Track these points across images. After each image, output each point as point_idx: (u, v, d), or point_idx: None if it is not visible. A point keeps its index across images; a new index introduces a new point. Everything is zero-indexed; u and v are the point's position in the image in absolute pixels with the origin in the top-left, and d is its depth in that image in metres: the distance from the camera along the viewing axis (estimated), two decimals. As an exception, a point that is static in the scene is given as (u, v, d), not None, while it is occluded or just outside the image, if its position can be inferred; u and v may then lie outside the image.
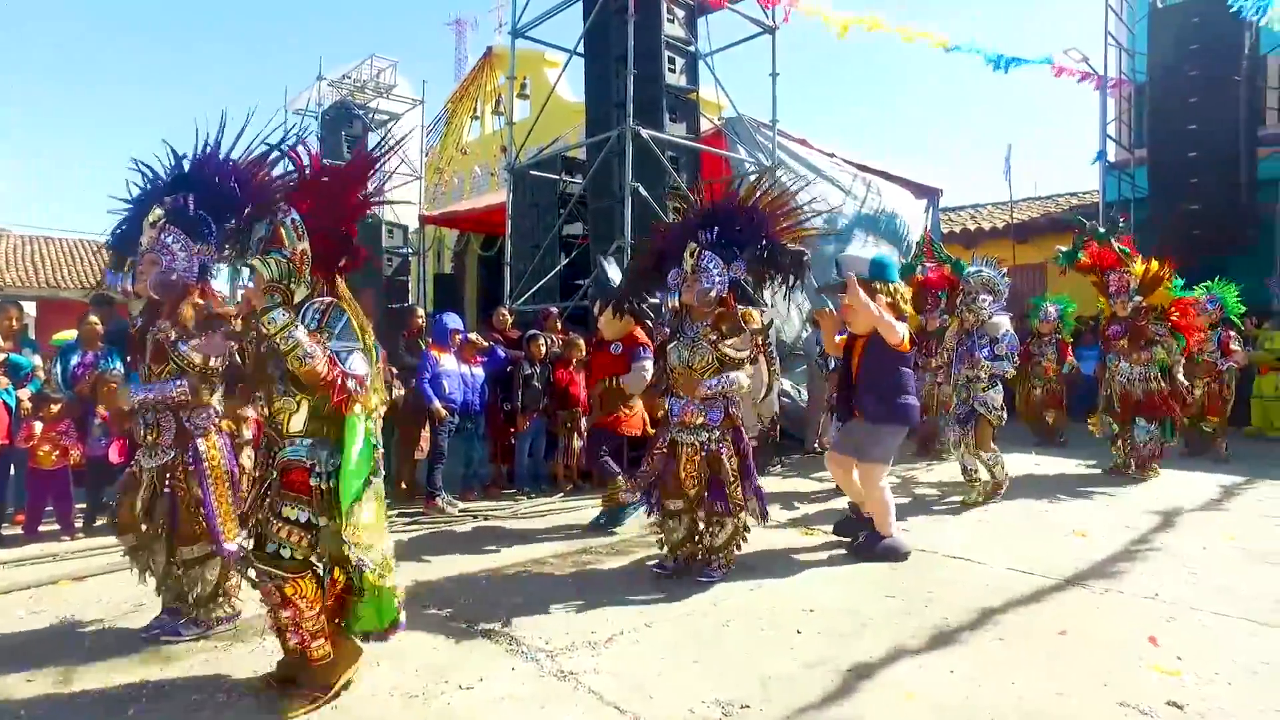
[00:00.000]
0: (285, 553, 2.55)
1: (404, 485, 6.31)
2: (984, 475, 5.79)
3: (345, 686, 2.70)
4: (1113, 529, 4.95)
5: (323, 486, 2.58)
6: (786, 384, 8.09)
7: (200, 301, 3.25)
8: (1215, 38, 10.68)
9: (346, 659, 2.74)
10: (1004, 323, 5.84)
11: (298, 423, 2.61)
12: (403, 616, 2.80)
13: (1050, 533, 4.90)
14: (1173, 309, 6.71)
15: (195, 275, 3.17)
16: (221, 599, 3.35)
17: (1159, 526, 5.05)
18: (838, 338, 4.82)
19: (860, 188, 9.76)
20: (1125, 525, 5.05)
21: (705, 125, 8.71)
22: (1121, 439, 6.77)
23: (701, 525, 4.10)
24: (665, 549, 4.19)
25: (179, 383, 3.20)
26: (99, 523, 5.24)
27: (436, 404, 5.81)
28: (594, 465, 5.51)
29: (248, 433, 3.59)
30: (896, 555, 4.38)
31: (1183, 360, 6.89)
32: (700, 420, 3.98)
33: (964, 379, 5.84)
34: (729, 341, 3.96)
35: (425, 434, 6.09)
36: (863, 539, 4.51)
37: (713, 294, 3.95)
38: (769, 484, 6.62)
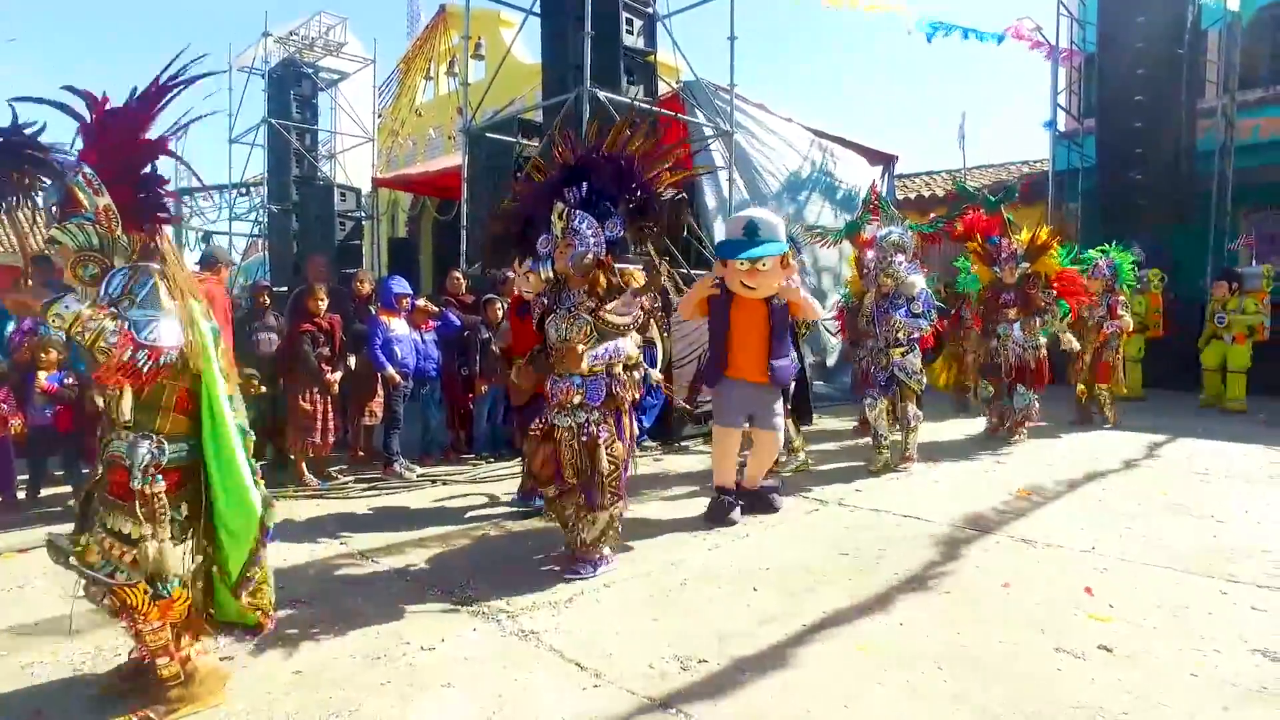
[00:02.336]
0: (111, 572, 2.25)
1: (360, 452, 6.27)
2: (895, 437, 5.66)
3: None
4: (1056, 487, 5.16)
5: (146, 490, 2.25)
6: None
7: None
8: (1160, 11, 10.92)
9: (206, 688, 2.40)
10: (919, 281, 5.72)
11: (125, 410, 2.28)
12: (270, 624, 2.58)
13: (997, 491, 5.08)
14: (1055, 279, 6.81)
15: None
16: None
17: (1098, 484, 5.27)
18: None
19: (817, 153, 9.82)
20: (1068, 483, 5.26)
21: (663, 89, 8.63)
22: (995, 402, 6.93)
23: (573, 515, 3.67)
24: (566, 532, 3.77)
25: None
26: (43, 493, 5.12)
27: (390, 369, 5.76)
28: (521, 441, 4.77)
29: None
30: (778, 496, 4.68)
31: (1066, 327, 7.00)
32: (578, 399, 3.55)
33: (882, 343, 5.72)
34: (608, 306, 3.54)
35: (378, 400, 6.03)
36: (759, 496, 4.59)
37: (589, 257, 3.51)
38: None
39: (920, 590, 3.37)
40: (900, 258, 5.69)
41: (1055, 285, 6.82)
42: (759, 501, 4.62)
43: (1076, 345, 7.11)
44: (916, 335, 5.64)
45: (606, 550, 3.69)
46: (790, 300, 4.38)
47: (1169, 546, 3.90)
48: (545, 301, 3.72)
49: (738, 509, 4.52)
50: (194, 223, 15.54)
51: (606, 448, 3.53)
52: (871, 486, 5.28)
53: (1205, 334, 8.69)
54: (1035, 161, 15.05)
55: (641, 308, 3.68)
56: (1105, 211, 11.27)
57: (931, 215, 8.25)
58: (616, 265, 3.61)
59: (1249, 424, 7.49)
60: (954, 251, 9.12)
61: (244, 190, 14.98)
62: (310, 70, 13.62)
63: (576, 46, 7.32)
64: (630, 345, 3.65)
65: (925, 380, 5.73)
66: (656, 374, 4.14)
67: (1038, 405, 6.85)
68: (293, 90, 13.21)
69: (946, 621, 3.02)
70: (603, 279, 3.53)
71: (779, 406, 4.60)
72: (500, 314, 6.35)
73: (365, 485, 5.58)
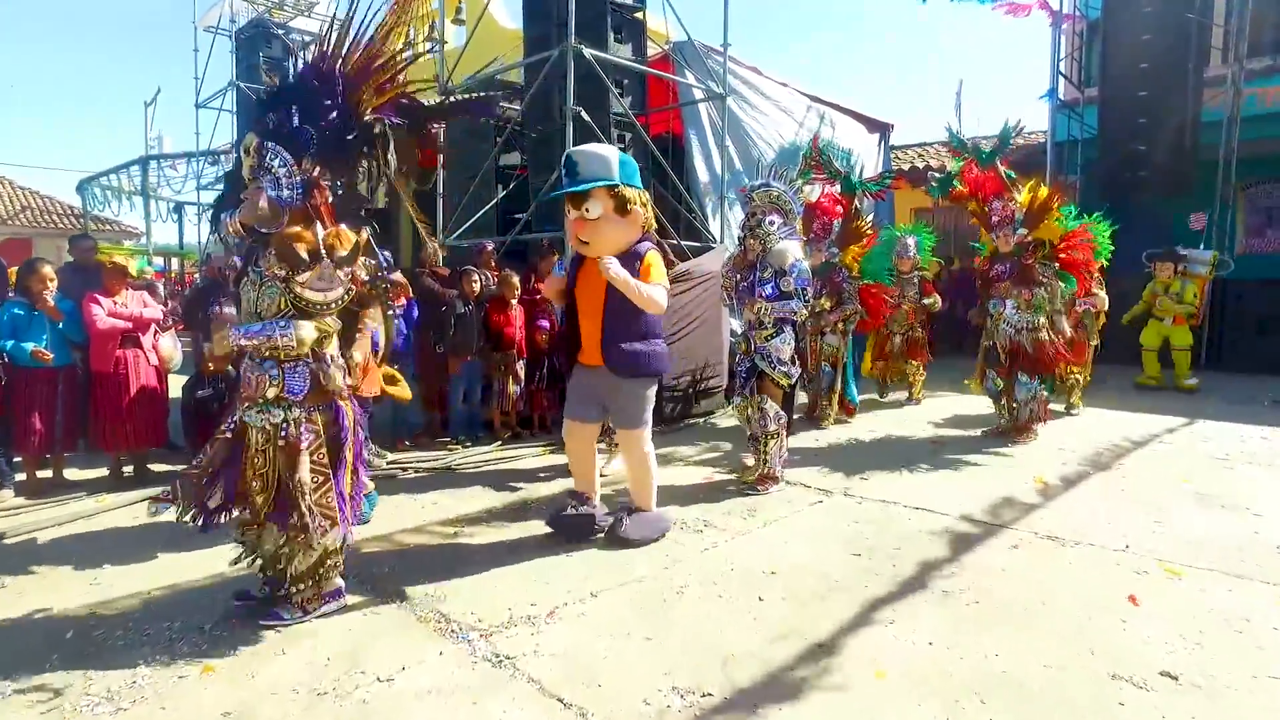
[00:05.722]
0: None
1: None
2: (766, 446, 4.54)
3: None
4: (1072, 475, 4.83)
5: None
6: (736, 325, 7.77)
7: None
8: (1170, -28, 10.46)
9: None
10: (793, 249, 4.51)
11: None
12: None
13: (1009, 480, 4.72)
14: (1062, 245, 5.77)
15: None
16: None
17: (1117, 472, 4.94)
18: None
19: (814, 119, 9.37)
20: (1084, 471, 4.93)
21: (653, 50, 8.13)
22: (1006, 397, 5.92)
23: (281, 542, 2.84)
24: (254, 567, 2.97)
25: None
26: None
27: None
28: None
29: None
30: (663, 529, 3.77)
31: (1064, 307, 6.03)
32: (274, 391, 2.72)
33: (745, 325, 4.68)
34: (301, 278, 2.69)
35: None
36: (622, 520, 3.69)
37: (262, 204, 2.65)
38: (688, 444, 6.35)
39: (944, 599, 3.01)
40: (776, 219, 4.55)
41: (1061, 255, 5.82)
42: (626, 528, 3.65)
43: (1069, 331, 6.11)
44: (788, 317, 4.49)
45: (336, 583, 2.92)
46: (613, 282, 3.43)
47: (1209, 544, 3.56)
48: (239, 263, 2.90)
49: (589, 520, 3.72)
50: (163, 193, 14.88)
51: (312, 454, 2.73)
52: (878, 475, 4.91)
53: (1135, 310, 8.35)
54: (1033, 132, 14.60)
55: (354, 281, 2.82)
56: (1106, 184, 10.89)
57: (930, 174, 7.67)
58: (331, 223, 2.81)
59: (1254, 405, 7.20)
60: (951, 223, 8.67)
61: (213, 158, 14.31)
62: (280, 31, 12.96)
63: (561, 0, 6.80)
64: (307, 329, 2.71)
65: (795, 374, 4.63)
66: (358, 357, 3.01)
67: (1045, 395, 5.96)
68: (262, 52, 12.58)
69: (977, 637, 2.66)
70: (285, 245, 2.70)
71: (646, 398, 3.68)
72: (477, 287, 5.90)
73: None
